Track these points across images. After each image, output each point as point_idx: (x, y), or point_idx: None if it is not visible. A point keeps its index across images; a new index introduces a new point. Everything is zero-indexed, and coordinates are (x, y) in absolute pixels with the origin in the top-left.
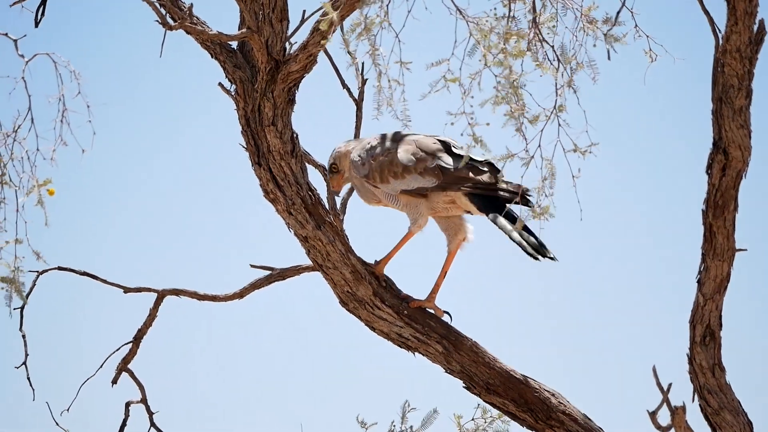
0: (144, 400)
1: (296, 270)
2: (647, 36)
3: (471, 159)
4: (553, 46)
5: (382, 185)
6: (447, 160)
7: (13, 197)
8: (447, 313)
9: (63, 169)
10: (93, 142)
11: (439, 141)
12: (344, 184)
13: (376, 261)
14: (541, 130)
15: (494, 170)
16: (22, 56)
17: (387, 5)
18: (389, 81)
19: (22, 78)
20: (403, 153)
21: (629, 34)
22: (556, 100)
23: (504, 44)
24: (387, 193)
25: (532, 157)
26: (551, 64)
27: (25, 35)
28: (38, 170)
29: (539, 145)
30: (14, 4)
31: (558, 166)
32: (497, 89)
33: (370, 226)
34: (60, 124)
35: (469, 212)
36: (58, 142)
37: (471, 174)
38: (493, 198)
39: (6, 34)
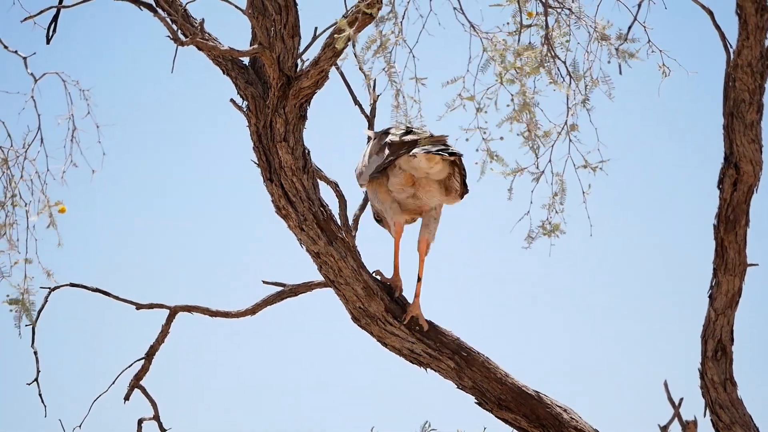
0: (156, 417)
1: (308, 286)
2: (660, 51)
3: (410, 129)
4: (565, 62)
5: (361, 179)
6: (393, 134)
7: (23, 216)
8: (430, 322)
9: (73, 188)
10: (103, 163)
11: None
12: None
13: (377, 271)
14: (552, 146)
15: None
16: (32, 75)
17: (401, 22)
18: (404, 98)
19: (32, 97)
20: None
21: (642, 49)
22: (567, 118)
23: (516, 60)
24: (371, 191)
25: (543, 172)
26: (563, 80)
27: (34, 53)
28: (48, 189)
29: (549, 160)
30: (25, 20)
31: (569, 182)
32: (511, 104)
33: (383, 242)
34: (70, 144)
35: (435, 182)
36: (68, 162)
37: (410, 138)
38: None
39: (16, 52)
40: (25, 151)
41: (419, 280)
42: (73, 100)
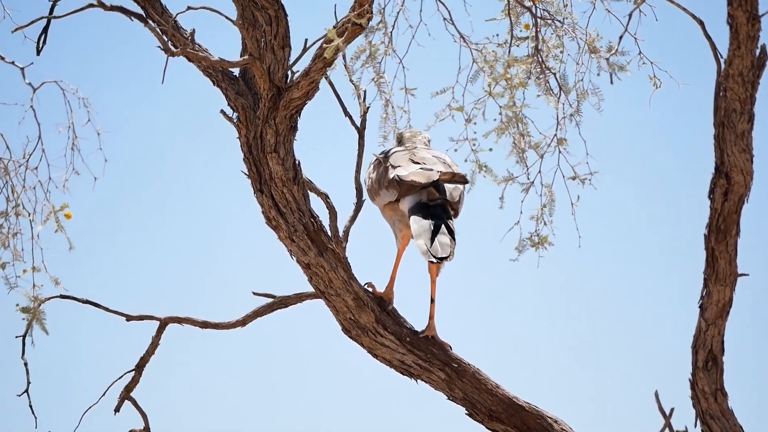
0: (147, 429)
1: (298, 297)
2: (651, 62)
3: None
4: (555, 74)
5: (374, 203)
6: (404, 172)
7: (26, 226)
8: (425, 334)
9: (71, 197)
10: (105, 169)
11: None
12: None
13: (369, 283)
14: (541, 156)
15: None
16: (30, 84)
17: (391, 32)
18: (393, 108)
19: (31, 107)
20: (376, 171)
21: (634, 61)
22: (556, 132)
23: (506, 71)
24: (381, 209)
25: (532, 183)
26: (553, 92)
27: (32, 63)
28: (51, 197)
29: (539, 171)
30: (16, 30)
31: (558, 193)
32: (500, 117)
33: (373, 254)
34: (71, 152)
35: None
36: (70, 169)
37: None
38: (431, 207)
39: (13, 63)
40: (26, 161)
41: (432, 301)
42: (72, 109)
